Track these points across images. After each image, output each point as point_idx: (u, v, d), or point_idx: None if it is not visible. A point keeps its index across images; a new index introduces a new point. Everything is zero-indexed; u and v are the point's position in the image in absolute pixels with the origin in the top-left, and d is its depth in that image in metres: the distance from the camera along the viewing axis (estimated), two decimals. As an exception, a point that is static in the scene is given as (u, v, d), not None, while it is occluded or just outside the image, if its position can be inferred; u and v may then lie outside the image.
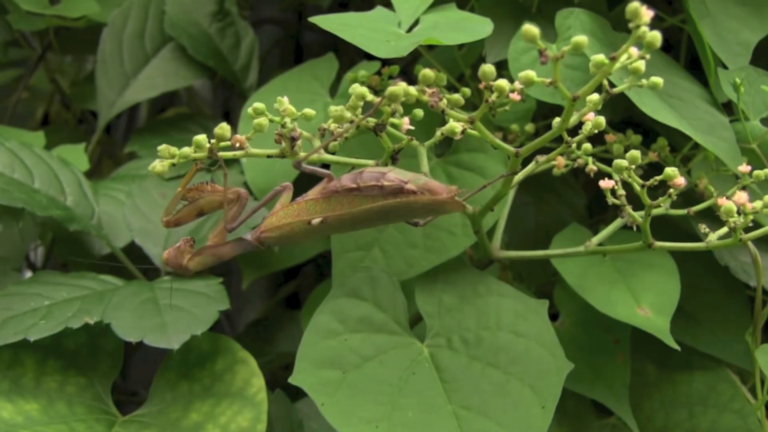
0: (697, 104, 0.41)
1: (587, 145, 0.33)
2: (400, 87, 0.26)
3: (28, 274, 0.59)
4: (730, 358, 0.43)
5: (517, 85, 0.29)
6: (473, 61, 0.49)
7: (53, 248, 0.57)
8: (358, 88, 0.30)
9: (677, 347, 0.36)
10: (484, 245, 0.37)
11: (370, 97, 0.30)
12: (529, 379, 0.31)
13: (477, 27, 0.37)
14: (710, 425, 0.41)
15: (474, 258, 0.40)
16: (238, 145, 0.30)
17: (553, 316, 0.39)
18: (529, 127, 0.44)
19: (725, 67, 0.42)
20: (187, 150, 0.29)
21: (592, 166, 0.35)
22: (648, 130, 0.44)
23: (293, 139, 0.30)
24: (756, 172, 0.34)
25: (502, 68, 0.41)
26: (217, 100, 0.74)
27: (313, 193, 0.27)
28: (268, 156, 0.31)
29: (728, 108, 0.42)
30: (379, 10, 0.40)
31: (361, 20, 0.38)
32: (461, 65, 0.48)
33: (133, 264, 0.47)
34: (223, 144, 0.29)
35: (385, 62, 0.43)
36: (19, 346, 0.36)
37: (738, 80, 0.39)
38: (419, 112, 0.34)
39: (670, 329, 0.37)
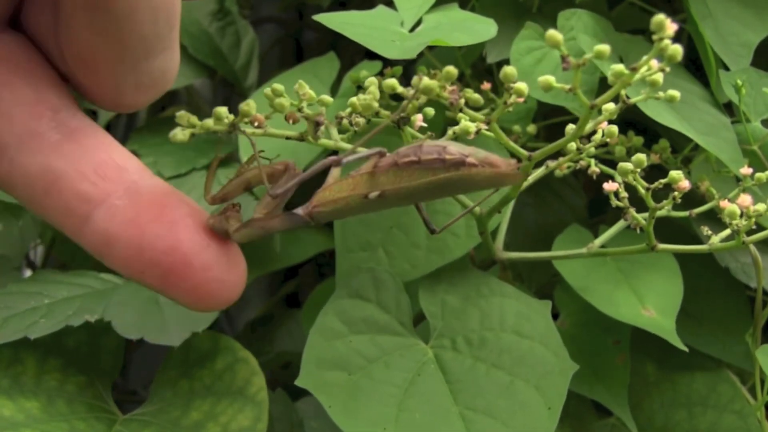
0: (698, 105, 0.41)
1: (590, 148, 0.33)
2: (433, 81, 0.26)
3: (28, 272, 0.59)
4: (730, 358, 0.43)
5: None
6: (473, 60, 0.49)
7: (53, 247, 0.57)
8: (389, 81, 0.30)
9: (685, 348, 0.36)
10: (489, 246, 0.37)
11: (400, 89, 0.30)
12: (534, 380, 0.31)
13: (481, 28, 0.37)
14: (710, 426, 0.41)
15: (476, 259, 0.40)
16: (256, 124, 0.29)
17: (553, 316, 0.39)
18: (531, 128, 0.44)
19: (726, 68, 0.42)
20: (209, 122, 0.28)
21: (595, 168, 0.35)
22: (647, 129, 0.44)
23: (317, 124, 0.29)
24: (758, 175, 0.34)
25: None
26: (217, 99, 0.74)
27: (368, 166, 0.26)
28: (287, 138, 0.30)
29: (729, 109, 0.42)
30: (381, 9, 0.40)
31: (363, 19, 0.38)
32: (461, 65, 0.48)
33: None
34: (245, 120, 0.29)
35: (386, 62, 0.43)
36: (19, 344, 0.36)
37: (739, 82, 0.39)
38: (430, 111, 0.33)
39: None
